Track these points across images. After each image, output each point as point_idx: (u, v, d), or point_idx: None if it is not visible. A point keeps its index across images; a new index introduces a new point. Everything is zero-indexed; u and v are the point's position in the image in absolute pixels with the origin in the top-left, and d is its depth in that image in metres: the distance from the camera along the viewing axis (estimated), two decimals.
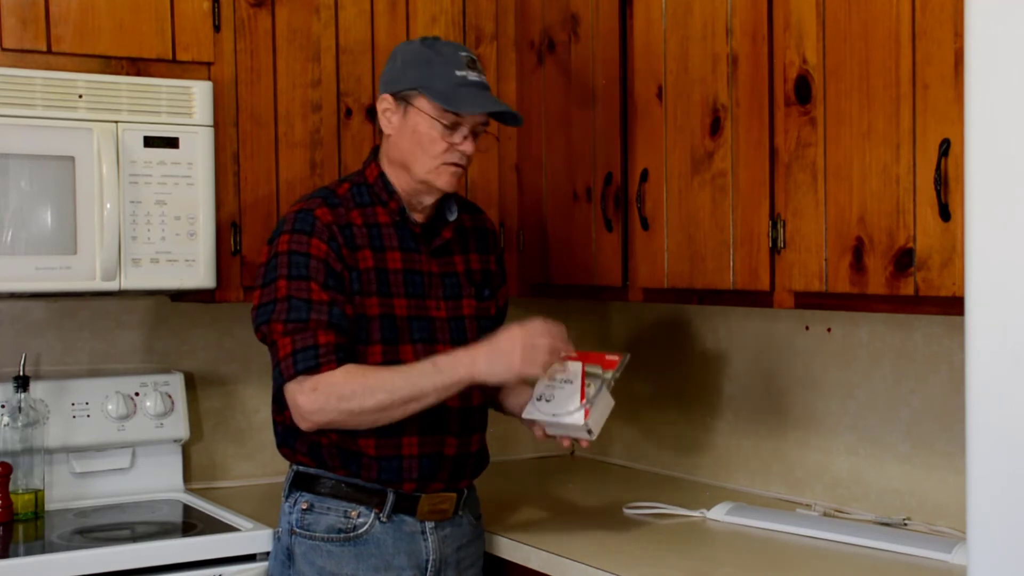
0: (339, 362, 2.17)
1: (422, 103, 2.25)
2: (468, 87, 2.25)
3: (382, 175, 2.33)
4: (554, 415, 2.25)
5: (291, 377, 2.17)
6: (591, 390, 2.23)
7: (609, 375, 2.25)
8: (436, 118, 2.24)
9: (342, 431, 2.23)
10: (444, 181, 2.28)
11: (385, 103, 2.29)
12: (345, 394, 2.15)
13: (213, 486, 2.97)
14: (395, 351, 2.26)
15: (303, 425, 2.19)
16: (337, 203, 2.28)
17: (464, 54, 2.28)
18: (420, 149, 2.26)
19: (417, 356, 2.26)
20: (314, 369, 2.16)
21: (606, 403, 2.24)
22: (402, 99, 2.27)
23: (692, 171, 2.46)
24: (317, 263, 2.21)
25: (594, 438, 2.24)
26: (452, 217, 2.38)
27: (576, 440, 2.27)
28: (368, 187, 2.33)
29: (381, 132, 2.34)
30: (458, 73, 2.24)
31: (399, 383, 2.17)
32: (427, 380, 2.17)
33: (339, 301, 2.21)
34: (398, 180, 2.32)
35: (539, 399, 2.28)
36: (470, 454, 2.36)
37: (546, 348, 2.19)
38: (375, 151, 2.39)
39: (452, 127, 2.25)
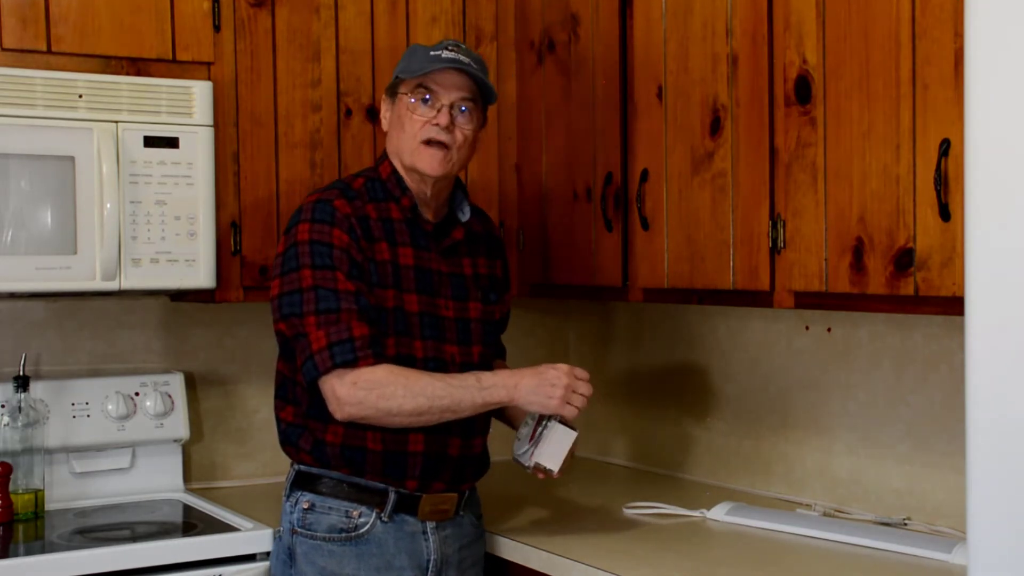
0: (375, 356, 2.19)
1: (401, 87, 2.32)
2: (441, 62, 2.28)
3: (395, 172, 2.35)
4: (516, 455, 2.31)
5: (328, 370, 2.17)
6: (539, 429, 2.27)
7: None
8: (409, 93, 2.29)
9: (349, 427, 2.24)
10: (426, 163, 2.30)
11: (383, 103, 2.39)
12: (386, 393, 2.17)
13: (213, 486, 2.97)
14: (408, 344, 2.27)
15: (338, 415, 2.20)
16: (354, 195, 2.30)
17: (450, 41, 2.33)
18: (402, 130, 2.32)
19: (426, 353, 2.28)
20: (352, 363, 2.17)
21: (562, 438, 2.27)
22: (391, 93, 2.36)
23: (692, 171, 2.46)
24: (340, 253, 2.22)
25: (556, 474, 2.28)
26: (464, 218, 2.41)
27: (546, 473, 2.29)
28: (382, 183, 2.35)
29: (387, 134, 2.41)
30: (432, 52, 2.30)
31: (440, 392, 2.19)
32: (468, 395, 2.20)
33: (363, 291, 2.23)
34: (405, 176, 2.35)
35: (517, 438, 2.33)
36: (472, 456, 2.37)
37: (584, 400, 2.25)
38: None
39: (426, 103, 2.29)
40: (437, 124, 2.29)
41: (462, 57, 2.29)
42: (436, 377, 2.22)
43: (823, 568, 2.20)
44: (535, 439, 2.27)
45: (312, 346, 2.18)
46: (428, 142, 2.29)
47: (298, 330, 2.21)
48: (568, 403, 2.23)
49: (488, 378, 2.23)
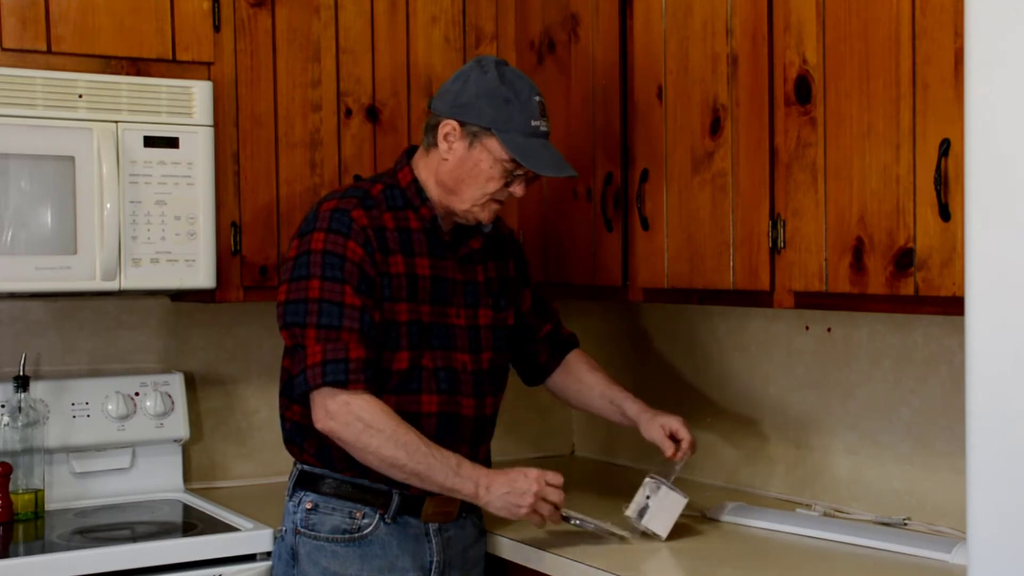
0: (366, 381, 2.18)
1: (493, 145, 2.26)
2: (540, 138, 2.28)
3: (416, 181, 2.34)
4: (627, 515, 2.38)
5: (317, 386, 2.17)
6: (648, 495, 2.36)
7: (661, 477, 2.40)
8: (502, 162, 2.26)
9: None
10: (486, 216, 2.33)
11: (449, 128, 2.28)
12: (373, 428, 2.17)
13: (213, 486, 2.97)
14: (422, 356, 2.28)
15: (319, 425, 2.20)
16: (372, 204, 2.28)
17: (538, 99, 2.29)
18: (475, 183, 2.28)
19: (435, 362, 2.28)
20: (342, 384, 2.16)
21: (673, 504, 2.35)
22: (471, 132, 2.27)
23: (692, 171, 2.46)
24: (352, 266, 2.21)
25: (663, 537, 2.35)
26: (487, 229, 2.40)
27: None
28: (401, 191, 2.33)
29: (432, 145, 2.32)
30: (532, 123, 2.27)
31: (420, 456, 2.18)
32: (442, 472, 2.20)
33: (369, 307, 2.22)
34: (433, 193, 2.33)
35: (634, 500, 2.40)
36: (478, 463, 2.36)
37: (552, 508, 2.24)
38: (409, 154, 2.39)
39: (513, 173, 2.28)
40: (513, 192, 2.31)
41: (549, 126, 2.31)
42: (424, 441, 2.20)
43: (823, 568, 2.20)
44: (646, 504, 2.34)
45: (307, 359, 2.18)
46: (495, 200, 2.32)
47: (297, 340, 2.21)
48: (536, 511, 2.22)
49: (467, 469, 2.22)
